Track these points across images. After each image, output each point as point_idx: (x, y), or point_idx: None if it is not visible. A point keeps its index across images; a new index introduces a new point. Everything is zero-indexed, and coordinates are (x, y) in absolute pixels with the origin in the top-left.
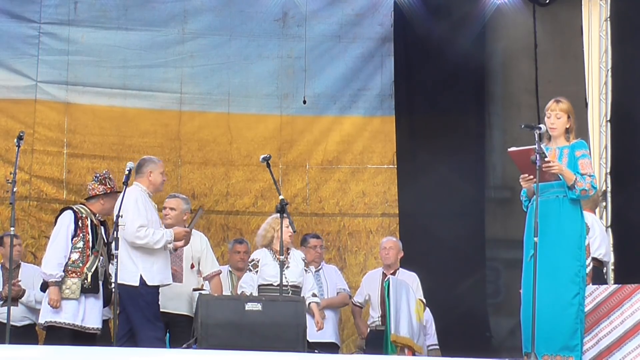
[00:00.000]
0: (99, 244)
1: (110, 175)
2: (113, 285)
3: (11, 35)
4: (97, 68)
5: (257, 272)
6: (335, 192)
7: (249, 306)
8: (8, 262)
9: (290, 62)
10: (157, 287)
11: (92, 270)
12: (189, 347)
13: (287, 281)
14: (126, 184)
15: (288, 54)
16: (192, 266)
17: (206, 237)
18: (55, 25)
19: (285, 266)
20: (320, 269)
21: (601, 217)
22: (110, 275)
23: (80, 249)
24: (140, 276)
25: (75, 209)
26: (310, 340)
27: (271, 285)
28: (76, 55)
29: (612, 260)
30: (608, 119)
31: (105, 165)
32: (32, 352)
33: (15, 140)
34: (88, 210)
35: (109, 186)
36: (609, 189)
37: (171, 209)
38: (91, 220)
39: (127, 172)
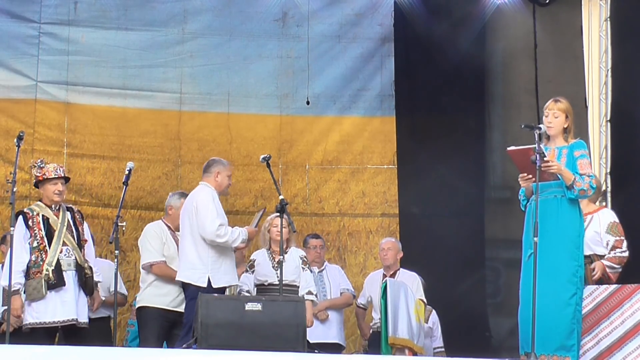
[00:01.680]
0: (58, 235)
1: (42, 163)
2: (89, 272)
3: (11, 35)
4: (97, 68)
5: (252, 272)
6: (335, 192)
7: (249, 306)
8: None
9: (290, 62)
10: (224, 288)
11: (54, 264)
12: (189, 347)
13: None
14: (126, 184)
15: (288, 54)
16: None
17: None
18: (55, 25)
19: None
20: (323, 269)
21: None
22: (86, 261)
23: (36, 248)
24: (208, 278)
25: (25, 210)
26: (314, 341)
27: (262, 284)
28: (76, 55)
29: None
30: (608, 119)
31: (105, 165)
32: (32, 352)
33: (15, 140)
34: (42, 205)
35: (39, 175)
36: (609, 189)
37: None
38: (43, 215)
39: (127, 172)
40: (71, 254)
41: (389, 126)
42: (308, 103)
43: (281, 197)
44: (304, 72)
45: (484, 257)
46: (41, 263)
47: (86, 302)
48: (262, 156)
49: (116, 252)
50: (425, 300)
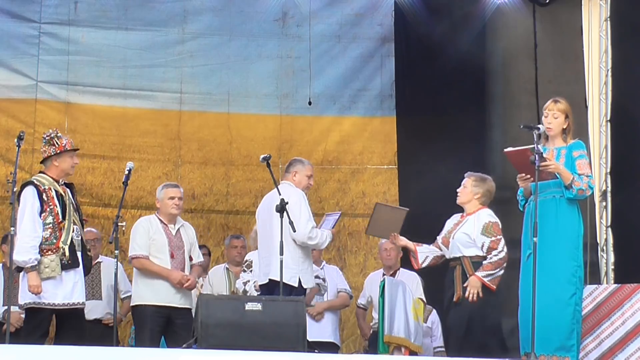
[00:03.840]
0: (69, 213)
1: (59, 134)
2: (90, 254)
3: (11, 35)
4: (97, 68)
5: (251, 271)
6: (335, 192)
7: (249, 306)
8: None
9: (290, 62)
10: (306, 290)
11: (68, 243)
12: (189, 347)
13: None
14: (126, 183)
15: (288, 54)
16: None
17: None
18: (56, 25)
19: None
20: (321, 270)
21: (601, 217)
22: (87, 242)
23: (50, 225)
24: (299, 278)
25: (35, 182)
26: (309, 340)
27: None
28: (76, 55)
29: (612, 260)
30: (608, 119)
31: (106, 165)
32: (33, 352)
33: (16, 140)
34: (50, 179)
35: (58, 145)
36: (609, 189)
37: (179, 198)
38: (55, 190)
39: (127, 172)
40: (78, 234)
41: (389, 126)
42: (310, 103)
43: (281, 197)
44: (304, 72)
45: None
46: (55, 241)
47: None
48: (262, 156)
49: (116, 252)
50: (424, 300)
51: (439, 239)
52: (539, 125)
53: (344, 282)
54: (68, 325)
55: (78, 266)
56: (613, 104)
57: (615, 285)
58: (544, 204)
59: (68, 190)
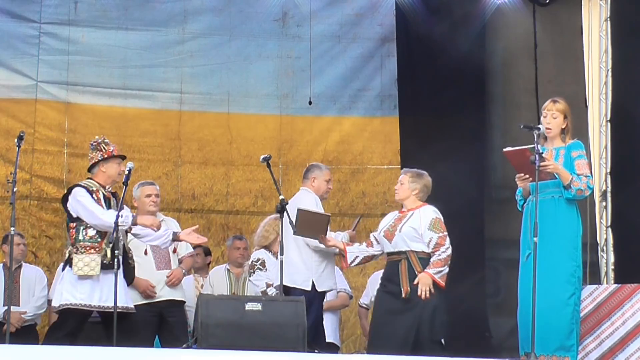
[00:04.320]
0: None
1: (107, 140)
2: (132, 262)
3: (11, 35)
4: (97, 68)
5: (266, 270)
6: (335, 192)
7: (249, 306)
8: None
9: (290, 62)
10: (324, 292)
11: (111, 245)
12: (189, 347)
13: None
14: (126, 184)
15: (288, 54)
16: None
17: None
18: (56, 25)
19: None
20: None
21: (601, 217)
22: (129, 249)
23: None
24: (312, 281)
25: (84, 184)
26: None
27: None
28: (76, 55)
29: (612, 260)
30: (608, 119)
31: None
32: (33, 352)
33: (16, 140)
34: (97, 184)
35: (104, 151)
36: (609, 189)
37: (156, 195)
38: (103, 194)
39: (127, 172)
40: (121, 239)
41: (389, 126)
42: (310, 103)
43: (281, 197)
44: (304, 72)
45: (484, 257)
46: (99, 240)
47: (127, 290)
48: (262, 156)
49: (116, 252)
50: None
51: (379, 233)
52: (539, 126)
53: (344, 282)
54: (117, 328)
55: (119, 268)
56: (613, 104)
57: (616, 285)
58: (542, 204)
59: (113, 198)
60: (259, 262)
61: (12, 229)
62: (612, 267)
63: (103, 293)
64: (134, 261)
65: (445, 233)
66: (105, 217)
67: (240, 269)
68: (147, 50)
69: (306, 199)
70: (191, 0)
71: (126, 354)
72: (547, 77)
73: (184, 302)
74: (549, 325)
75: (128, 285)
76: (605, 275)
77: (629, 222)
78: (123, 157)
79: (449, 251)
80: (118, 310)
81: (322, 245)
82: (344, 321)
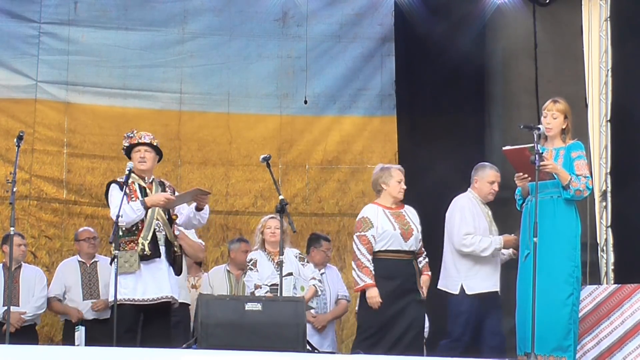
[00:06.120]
0: (152, 210)
1: (135, 130)
2: (177, 251)
3: (11, 35)
4: (97, 68)
5: (257, 270)
6: (335, 192)
7: (249, 306)
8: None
9: (290, 62)
10: (479, 295)
11: (149, 239)
12: (189, 347)
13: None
14: (126, 183)
15: (288, 54)
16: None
17: None
18: (55, 25)
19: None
20: (323, 273)
21: (601, 217)
22: (175, 238)
23: None
24: (461, 285)
25: (118, 179)
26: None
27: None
28: (76, 55)
29: (612, 260)
30: (608, 119)
31: (105, 165)
32: (32, 352)
33: (15, 140)
34: (135, 176)
35: (125, 145)
36: (609, 189)
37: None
38: (139, 185)
39: (127, 172)
40: (162, 230)
41: (389, 126)
42: (306, 102)
43: (281, 197)
44: (304, 72)
45: None
46: (136, 233)
47: (177, 281)
48: (262, 156)
49: (116, 252)
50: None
51: (396, 231)
52: (539, 126)
53: (343, 288)
54: (152, 322)
55: (159, 257)
56: (613, 104)
57: (615, 285)
58: (541, 204)
59: (160, 188)
60: (251, 262)
61: (11, 229)
62: (612, 267)
63: (148, 285)
64: (180, 250)
65: None
66: (111, 213)
67: (241, 271)
68: (147, 50)
69: (460, 200)
70: (191, 0)
71: (126, 354)
72: (547, 77)
73: (188, 304)
74: (546, 325)
75: (177, 274)
76: (605, 275)
77: (629, 222)
78: (145, 144)
79: None
80: (162, 300)
81: (464, 250)
82: (343, 321)
